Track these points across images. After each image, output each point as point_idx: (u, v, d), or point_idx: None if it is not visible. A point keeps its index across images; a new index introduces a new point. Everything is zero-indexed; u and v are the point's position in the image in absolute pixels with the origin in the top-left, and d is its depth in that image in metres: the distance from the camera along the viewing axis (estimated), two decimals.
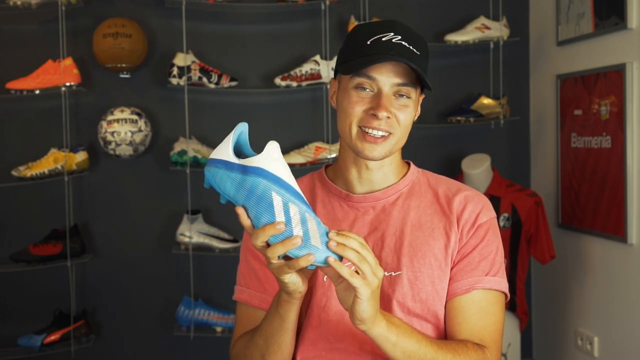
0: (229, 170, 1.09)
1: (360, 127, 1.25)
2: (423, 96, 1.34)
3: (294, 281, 1.11)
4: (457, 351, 1.22)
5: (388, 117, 1.23)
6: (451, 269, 1.29)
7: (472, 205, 1.31)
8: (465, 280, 1.28)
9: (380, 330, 1.12)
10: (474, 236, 1.29)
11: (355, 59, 1.24)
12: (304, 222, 1.07)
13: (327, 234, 1.07)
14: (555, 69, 3.03)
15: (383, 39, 1.23)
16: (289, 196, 1.08)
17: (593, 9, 2.73)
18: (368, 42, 1.24)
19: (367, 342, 1.26)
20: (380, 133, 1.24)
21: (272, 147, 1.08)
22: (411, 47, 1.23)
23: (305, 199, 1.10)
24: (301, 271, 1.11)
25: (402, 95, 1.25)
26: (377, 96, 1.24)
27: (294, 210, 1.07)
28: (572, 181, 2.91)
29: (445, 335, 1.31)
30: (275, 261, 1.07)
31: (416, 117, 1.33)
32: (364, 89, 1.25)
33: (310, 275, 1.16)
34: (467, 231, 1.29)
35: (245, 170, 1.08)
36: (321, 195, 1.36)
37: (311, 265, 1.06)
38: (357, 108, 1.25)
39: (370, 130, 1.24)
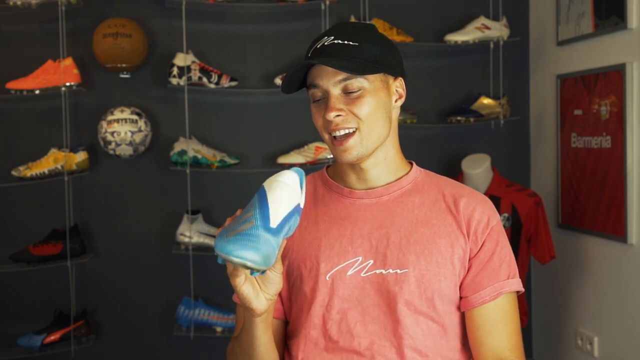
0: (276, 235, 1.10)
1: (329, 134, 1.27)
2: (399, 79, 1.32)
3: (257, 308, 1.15)
4: None
5: (339, 116, 1.24)
6: (473, 276, 1.29)
7: (481, 208, 1.32)
8: (492, 287, 1.29)
9: None
10: (489, 240, 1.30)
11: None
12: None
13: None
14: (555, 69, 3.03)
15: (318, 46, 1.27)
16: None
17: (593, 9, 2.73)
18: (309, 55, 1.28)
19: (369, 342, 1.27)
20: (343, 132, 1.25)
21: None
22: (345, 42, 1.24)
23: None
24: (255, 290, 1.15)
25: (352, 91, 1.25)
26: (327, 100, 1.25)
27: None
28: (572, 181, 2.91)
29: (459, 337, 1.32)
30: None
31: (399, 101, 1.32)
32: (318, 98, 1.27)
33: (275, 298, 1.19)
34: (480, 234, 1.30)
35: (280, 230, 1.10)
36: (323, 194, 1.36)
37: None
38: (318, 119, 1.28)
39: (334, 134, 1.26)
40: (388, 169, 1.33)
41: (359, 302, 1.27)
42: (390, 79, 1.30)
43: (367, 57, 1.25)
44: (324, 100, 1.27)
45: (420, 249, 1.27)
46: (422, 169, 1.39)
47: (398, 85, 1.32)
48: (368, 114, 1.25)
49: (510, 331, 1.30)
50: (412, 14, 3.17)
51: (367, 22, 2.97)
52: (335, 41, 1.25)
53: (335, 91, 1.25)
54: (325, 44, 1.26)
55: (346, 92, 1.25)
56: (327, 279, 1.28)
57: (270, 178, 1.14)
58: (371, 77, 1.26)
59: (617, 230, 2.61)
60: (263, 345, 1.25)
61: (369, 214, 1.31)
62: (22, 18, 2.95)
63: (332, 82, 1.24)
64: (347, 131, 1.25)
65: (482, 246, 1.30)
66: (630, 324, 2.58)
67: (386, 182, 1.33)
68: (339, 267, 1.28)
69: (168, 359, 3.11)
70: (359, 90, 1.25)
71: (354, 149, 1.25)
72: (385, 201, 1.32)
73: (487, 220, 1.31)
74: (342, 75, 1.24)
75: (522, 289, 1.33)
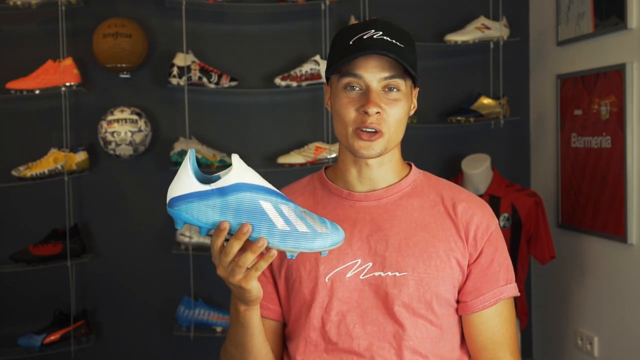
0: (205, 199, 1.06)
1: (354, 127, 1.25)
2: (417, 89, 1.33)
3: (257, 286, 1.13)
4: None
5: (378, 113, 1.23)
6: (473, 281, 1.30)
7: (480, 213, 1.32)
8: (492, 293, 1.30)
9: None
10: (488, 245, 1.30)
11: (339, 60, 1.25)
12: (301, 217, 1.08)
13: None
14: (555, 69, 3.03)
15: (364, 37, 1.24)
16: (276, 199, 1.08)
17: (593, 9, 2.73)
18: (350, 43, 1.25)
19: (368, 343, 1.27)
20: (372, 130, 1.24)
21: (238, 160, 1.08)
22: (393, 41, 1.24)
23: (284, 195, 1.11)
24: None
25: (391, 89, 1.24)
26: (366, 93, 1.24)
27: (287, 210, 1.08)
28: (572, 181, 2.91)
29: (457, 338, 1.33)
30: (242, 272, 1.09)
31: (412, 111, 1.33)
32: (353, 88, 1.25)
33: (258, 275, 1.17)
34: (480, 239, 1.30)
35: (223, 191, 1.06)
36: (321, 196, 1.36)
37: (325, 252, 1.10)
38: (349, 109, 1.25)
39: (364, 128, 1.24)
40: (391, 170, 1.33)
41: (357, 304, 1.27)
42: (413, 87, 1.32)
43: (409, 60, 1.25)
44: (359, 92, 1.25)
45: (419, 253, 1.27)
46: (420, 171, 1.39)
47: (415, 95, 1.34)
48: (398, 118, 1.25)
49: (510, 336, 1.31)
50: (412, 14, 3.17)
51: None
52: (384, 37, 1.23)
53: (378, 87, 1.24)
54: (374, 37, 1.23)
55: (385, 91, 1.25)
56: (327, 281, 1.28)
57: (239, 173, 1.09)
58: (408, 82, 1.27)
59: (617, 230, 2.61)
60: (261, 333, 1.26)
61: (368, 217, 1.31)
62: (22, 18, 2.95)
63: (377, 77, 1.24)
64: (374, 130, 1.24)
65: (481, 252, 1.30)
66: (630, 324, 2.58)
67: (387, 183, 1.33)
68: (338, 269, 1.28)
69: (168, 359, 3.11)
70: (398, 91, 1.25)
71: (378, 147, 1.25)
72: (384, 204, 1.32)
73: (486, 225, 1.31)
74: (389, 72, 1.23)
75: (518, 294, 1.34)
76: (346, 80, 1.25)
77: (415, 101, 1.34)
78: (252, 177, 1.08)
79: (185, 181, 1.07)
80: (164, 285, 3.10)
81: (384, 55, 1.21)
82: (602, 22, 2.67)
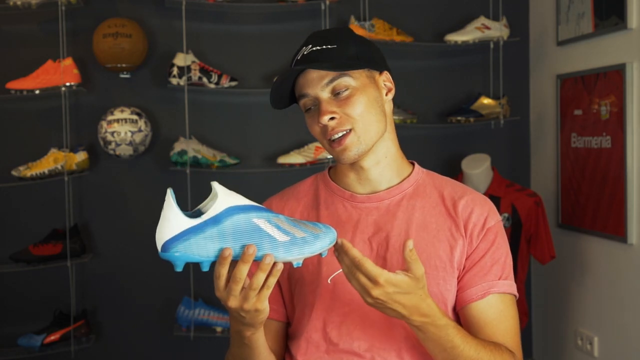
0: (201, 231, 1.04)
1: (327, 140, 1.27)
2: (384, 73, 1.32)
3: (266, 307, 1.11)
4: (495, 354, 1.23)
5: (332, 119, 1.24)
6: (463, 275, 1.29)
7: (479, 209, 1.31)
8: (480, 286, 1.28)
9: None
10: (483, 240, 1.29)
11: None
12: (295, 225, 1.09)
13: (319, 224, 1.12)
14: (555, 69, 3.03)
15: (298, 58, 1.27)
16: (267, 214, 1.08)
17: (593, 9, 2.73)
18: (292, 66, 1.28)
19: (369, 345, 1.26)
20: (340, 134, 1.25)
21: (220, 186, 1.07)
22: (323, 47, 1.25)
23: (270, 209, 1.12)
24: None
25: (341, 91, 1.25)
26: (318, 106, 1.26)
27: (280, 222, 1.08)
28: (572, 181, 2.91)
29: None
30: (256, 294, 1.07)
31: (389, 94, 1.32)
32: (310, 108, 1.28)
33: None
34: (476, 235, 1.29)
35: (217, 219, 1.04)
36: (324, 197, 1.36)
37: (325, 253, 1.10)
38: (314, 128, 1.28)
39: (332, 137, 1.26)
40: (390, 167, 1.33)
41: (359, 306, 1.26)
42: (376, 74, 1.31)
43: (347, 56, 1.25)
44: (316, 107, 1.27)
45: (419, 253, 1.26)
46: (424, 170, 1.39)
47: (385, 79, 1.32)
48: (361, 111, 1.25)
49: (505, 329, 1.28)
50: (412, 14, 3.16)
51: (367, 22, 2.98)
52: (314, 48, 1.26)
53: (325, 95, 1.25)
54: (305, 53, 1.26)
55: (335, 93, 1.25)
56: (329, 282, 1.28)
57: (225, 198, 1.07)
58: (356, 74, 1.26)
59: (617, 230, 2.61)
60: (266, 350, 1.26)
61: (370, 218, 1.31)
62: (22, 18, 2.95)
63: (319, 87, 1.25)
64: (343, 133, 1.25)
65: (476, 247, 1.29)
66: (630, 324, 2.58)
67: (388, 184, 1.33)
68: (340, 270, 1.27)
69: (168, 359, 3.11)
70: (347, 89, 1.25)
71: (352, 146, 1.25)
72: (386, 205, 1.32)
73: (484, 221, 1.30)
74: (328, 77, 1.24)
75: (515, 292, 1.31)
76: (301, 102, 1.29)
77: (387, 84, 1.32)
78: (238, 199, 1.07)
79: (175, 221, 1.04)
80: (164, 285, 3.10)
81: (308, 67, 1.23)
82: (602, 22, 2.67)
